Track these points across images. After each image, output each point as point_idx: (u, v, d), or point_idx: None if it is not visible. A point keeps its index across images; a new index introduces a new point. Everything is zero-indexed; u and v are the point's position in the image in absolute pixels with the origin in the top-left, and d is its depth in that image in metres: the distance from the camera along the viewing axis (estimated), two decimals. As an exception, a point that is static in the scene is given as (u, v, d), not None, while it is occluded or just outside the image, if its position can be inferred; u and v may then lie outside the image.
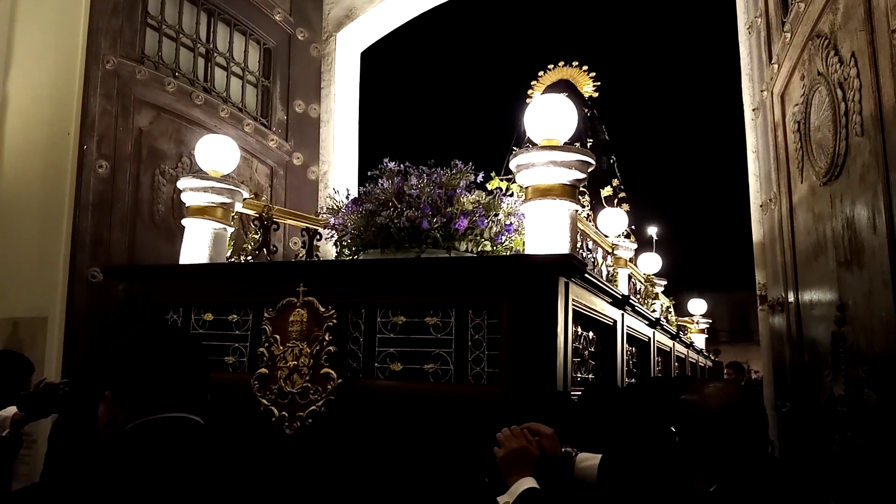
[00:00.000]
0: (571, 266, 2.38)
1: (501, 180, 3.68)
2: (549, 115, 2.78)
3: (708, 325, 9.05)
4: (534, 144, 2.85)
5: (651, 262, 6.81)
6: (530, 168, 2.73)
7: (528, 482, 1.86)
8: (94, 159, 3.90)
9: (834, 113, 2.61)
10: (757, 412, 1.66)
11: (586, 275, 2.53)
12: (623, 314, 3.35)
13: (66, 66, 3.94)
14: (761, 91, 4.03)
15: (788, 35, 3.27)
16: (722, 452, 1.56)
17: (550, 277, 2.36)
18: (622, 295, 3.17)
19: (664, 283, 6.92)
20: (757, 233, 4.41)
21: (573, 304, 2.52)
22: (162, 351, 1.46)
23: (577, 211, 2.79)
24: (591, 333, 2.98)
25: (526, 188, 2.80)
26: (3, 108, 4.03)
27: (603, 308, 3.01)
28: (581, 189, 3.01)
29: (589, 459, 2.01)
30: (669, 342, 5.19)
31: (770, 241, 4.07)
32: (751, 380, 8.10)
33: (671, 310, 7.33)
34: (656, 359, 4.49)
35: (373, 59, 6.89)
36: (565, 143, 2.81)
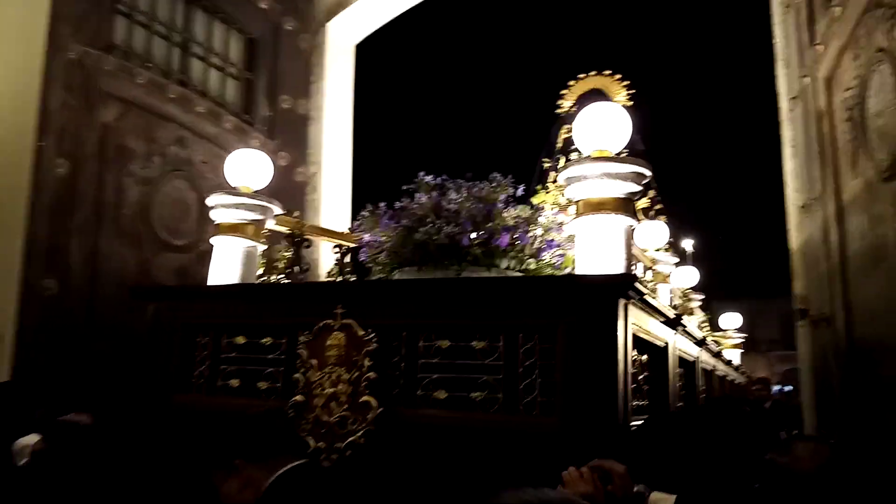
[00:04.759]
0: (633, 287, 2.20)
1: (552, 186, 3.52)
2: (601, 124, 2.61)
3: (743, 340, 8.77)
4: (584, 156, 2.69)
5: (687, 276, 6.60)
6: (582, 181, 2.56)
7: (597, 530, 1.68)
8: (53, 158, 3.57)
9: (902, 94, 2.35)
10: (858, 475, 1.48)
11: (646, 295, 2.36)
12: (674, 334, 3.15)
13: (26, 56, 3.58)
14: (802, 77, 3.69)
15: (838, 10, 2.98)
16: None
17: (610, 299, 2.19)
18: (676, 314, 2.98)
19: (701, 297, 6.69)
20: (796, 238, 4.05)
21: (632, 327, 2.34)
22: None
23: (631, 226, 2.62)
24: (643, 356, 2.80)
25: (577, 202, 2.63)
26: (-41, 101, 3.65)
27: (656, 329, 2.82)
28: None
29: (663, 501, 1.83)
30: (711, 360, 4.96)
31: (811, 247, 3.73)
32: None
33: (706, 325, 7.08)
34: (700, 379, 4.27)
35: (369, 52, 6.43)
36: (617, 154, 2.64)
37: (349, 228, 3.73)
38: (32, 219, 3.48)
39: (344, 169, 5.78)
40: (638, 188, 2.57)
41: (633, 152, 7.28)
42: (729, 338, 8.41)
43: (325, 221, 5.17)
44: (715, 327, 8.65)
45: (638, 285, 2.22)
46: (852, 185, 3.02)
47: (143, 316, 3.28)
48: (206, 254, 4.52)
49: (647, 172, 2.58)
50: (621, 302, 2.22)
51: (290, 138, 5.23)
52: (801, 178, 3.91)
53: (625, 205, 2.57)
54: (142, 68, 4.17)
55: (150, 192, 4.16)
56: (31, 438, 2.75)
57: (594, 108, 2.69)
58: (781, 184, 4.29)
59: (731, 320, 8.78)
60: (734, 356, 8.01)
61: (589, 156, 2.63)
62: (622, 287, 2.21)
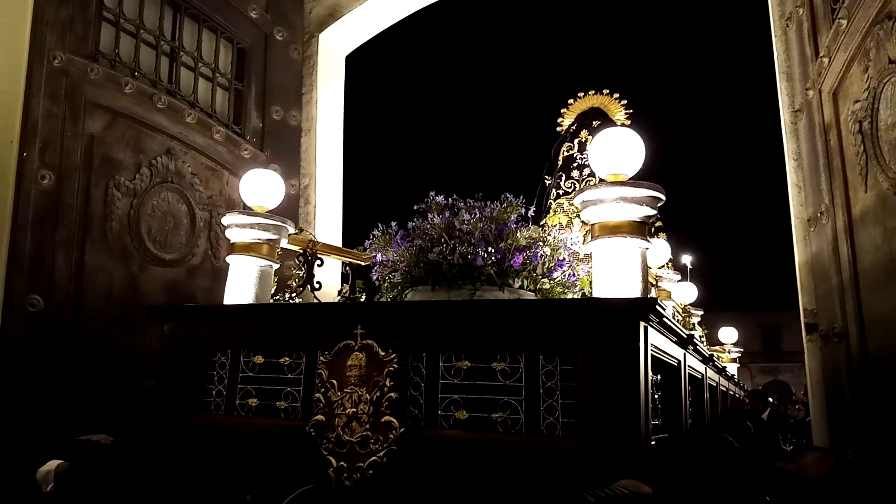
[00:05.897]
0: (653, 311, 2.25)
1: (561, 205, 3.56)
2: (617, 149, 2.67)
3: (740, 354, 8.85)
4: (601, 180, 2.74)
5: (687, 292, 6.66)
6: (598, 204, 2.61)
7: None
8: (37, 169, 3.47)
9: (916, 107, 2.32)
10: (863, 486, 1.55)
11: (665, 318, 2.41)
12: (685, 354, 3.20)
13: (8, 63, 3.47)
14: (806, 90, 3.63)
15: (844, 22, 2.94)
16: None
17: (632, 323, 2.23)
18: (687, 334, 3.03)
19: (700, 312, 6.75)
20: (802, 252, 3.92)
21: (651, 349, 2.39)
22: None
23: (646, 249, 2.67)
24: (658, 376, 2.84)
25: (592, 225, 2.69)
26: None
27: (669, 349, 2.87)
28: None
29: None
30: (715, 376, 5.02)
31: (820, 261, 3.64)
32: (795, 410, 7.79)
33: (704, 340, 7.15)
34: (707, 395, 4.32)
35: (359, 63, 6.38)
36: (632, 178, 2.70)
37: (361, 247, 3.76)
38: (15, 232, 3.38)
39: (336, 181, 5.73)
40: (653, 212, 2.63)
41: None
42: (726, 352, 8.48)
43: (318, 234, 5.17)
44: (712, 341, 8.72)
45: (659, 310, 2.27)
46: (864, 197, 2.90)
47: (131, 333, 3.23)
48: (196, 269, 4.46)
49: (662, 196, 2.63)
50: (642, 325, 2.26)
51: (281, 150, 5.14)
52: (806, 190, 3.79)
53: (640, 228, 2.62)
54: (129, 77, 4.07)
55: (138, 204, 4.08)
56: (52, 464, 2.77)
57: (609, 133, 2.74)
58: (771, 198, 4.17)
59: (729, 335, 8.87)
60: (731, 370, 8.08)
61: (605, 180, 2.68)
62: (644, 311, 2.26)
